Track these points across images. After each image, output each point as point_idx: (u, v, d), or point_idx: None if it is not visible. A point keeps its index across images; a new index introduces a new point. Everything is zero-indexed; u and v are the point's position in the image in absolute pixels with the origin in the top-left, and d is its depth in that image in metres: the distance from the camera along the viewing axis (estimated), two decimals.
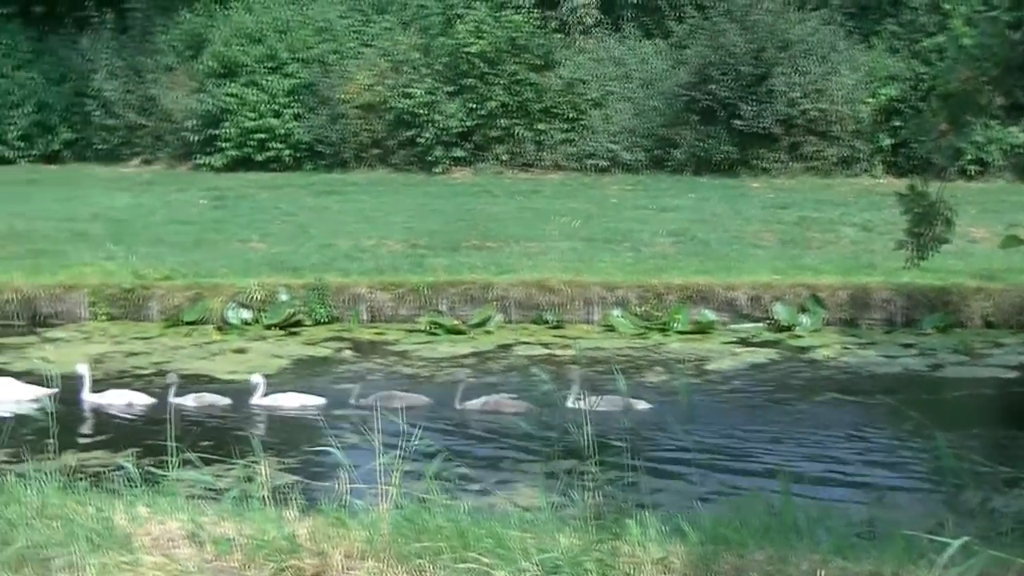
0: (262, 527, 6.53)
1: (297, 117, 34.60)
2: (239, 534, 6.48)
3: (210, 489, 9.27)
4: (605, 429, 10.87)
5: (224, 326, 19.11)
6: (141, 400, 15.17)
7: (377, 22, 36.32)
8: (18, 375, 15.75)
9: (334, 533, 6.60)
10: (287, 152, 34.49)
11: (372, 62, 34.52)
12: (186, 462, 8.72)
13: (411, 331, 18.94)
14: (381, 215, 26.17)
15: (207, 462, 8.78)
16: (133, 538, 6.21)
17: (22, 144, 37.79)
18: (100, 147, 37.38)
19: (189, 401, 15.03)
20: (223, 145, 34.77)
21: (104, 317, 19.71)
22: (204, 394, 15.28)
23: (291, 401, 15.06)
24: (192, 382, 15.53)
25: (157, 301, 19.72)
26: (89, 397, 15.26)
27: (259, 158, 34.46)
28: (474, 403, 14.83)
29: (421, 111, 33.11)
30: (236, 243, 23.11)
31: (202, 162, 35.22)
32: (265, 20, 35.79)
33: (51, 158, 37.89)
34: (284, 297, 19.32)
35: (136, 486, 7.34)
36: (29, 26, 39.39)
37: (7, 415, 14.16)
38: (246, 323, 19.13)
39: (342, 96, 34.05)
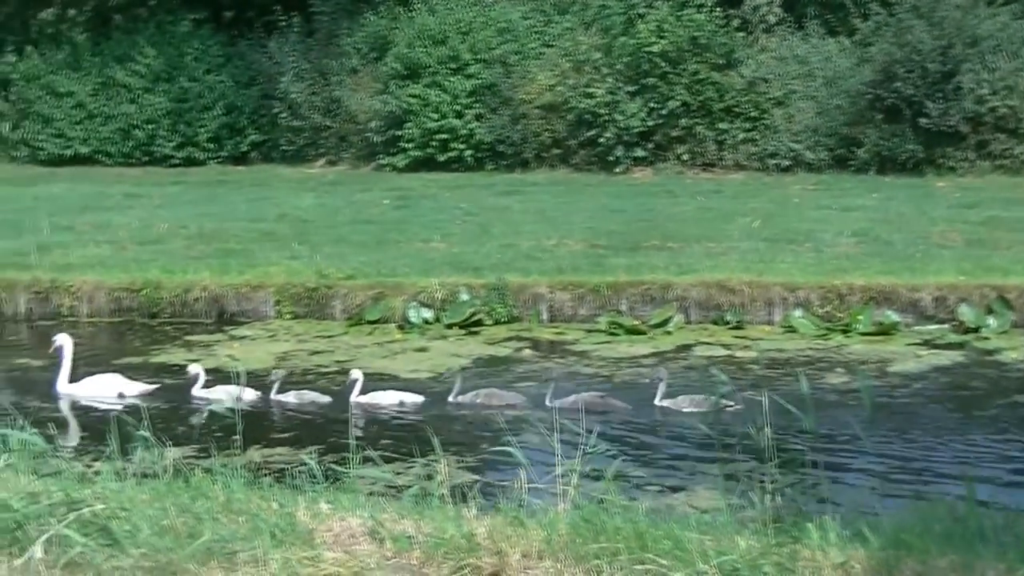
0: (441, 525, 6.58)
1: (479, 118, 34.82)
2: (418, 532, 6.54)
3: (390, 486, 9.39)
4: (782, 430, 10.75)
5: (405, 325, 19.29)
6: (248, 395, 15.41)
7: (559, 22, 36.40)
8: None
9: (512, 532, 6.62)
10: (469, 152, 34.72)
11: (553, 62, 34.62)
12: (367, 459, 8.84)
13: (591, 331, 18.92)
14: (561, 215, 26.21)
15: (388, 460, 8.92)
16: (315, 534, 6.30)
17: (212, 146, 38.64)
18: (286, 148, 38.05)
19: (291, 398, 15.36)
20: (406, 146, 35.14)
21: (289, 315, 20.05)
22: (305, 391, 15.55)
23: (390, 398, 15.20)
24: (374, 380, 15.70)
25: (340, 300, 19.99)
26: (198, 392, 15.68)
27: (441, 158, 34.75)
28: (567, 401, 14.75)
29: (602, 111, 33.10)
30: (418, 243, 23.31)
31: (385, 162, 35.64)
32: (448, 22, 36.08)
33: (239, 159, 38.67)
34: (465, 296, 19.45)
35: (318, 483, 7.45)
36: (219, 31, 40.25)
37: (111, 409, 14.51)
38: (427, 322, 19.28)
39: (523, 96, 34.20)
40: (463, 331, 18.97)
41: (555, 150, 34.27)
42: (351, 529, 6.46)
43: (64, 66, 39.92)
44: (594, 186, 31.20)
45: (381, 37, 37.12)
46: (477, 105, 34.92)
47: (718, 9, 33.37)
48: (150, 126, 38.78)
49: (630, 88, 33.24)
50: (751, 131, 32.81)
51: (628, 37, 33.63)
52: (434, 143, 34.79)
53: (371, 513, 6.66)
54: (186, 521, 6.17)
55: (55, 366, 16.23)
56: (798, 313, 18.86)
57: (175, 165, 38.28)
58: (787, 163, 32.14)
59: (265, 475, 7.50)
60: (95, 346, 18.96)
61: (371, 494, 7.91)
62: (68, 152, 39.23)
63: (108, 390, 15.78)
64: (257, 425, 14.06)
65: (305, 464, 7.76)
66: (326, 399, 15.36)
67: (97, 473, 6.99)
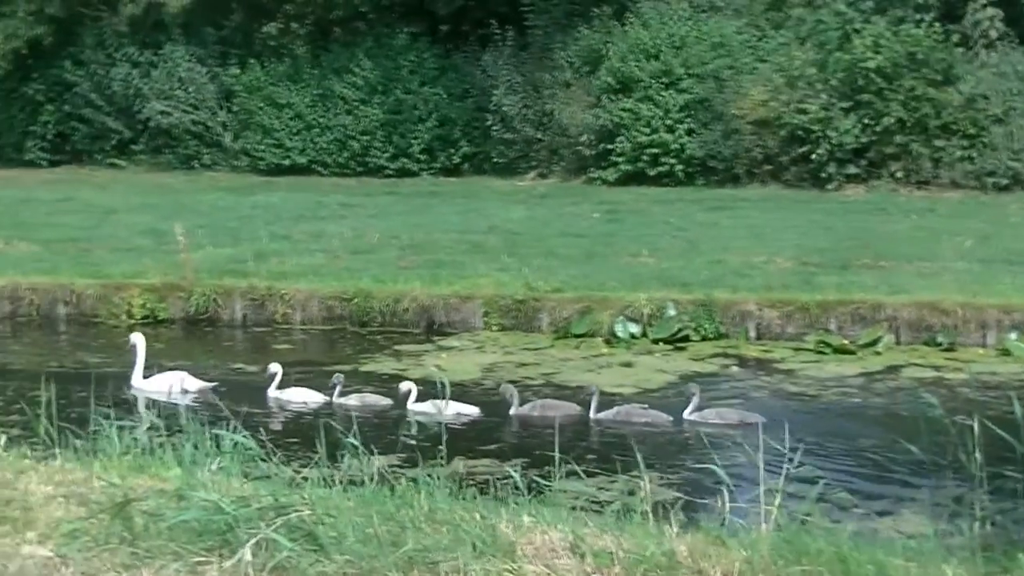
0: (642, 542, 6.56)
1: (690, 132, 34.74)
2: (619, 548, 6.52)
3: (593, 501, 9.41)
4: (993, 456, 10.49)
5: (612, 339, 19.29)
6: (315, 398, 16.06)
7: (773, 37, 36.14)
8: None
9: (713, 552, 6.57)
10: (679, 167, 34.64)
11: (767, 77, 34.37)
12: (570, 473, 8.87)
13: (798, 349, 18.72)
14: (771, 232, 25.97)
15: (591, 474, 8.93)
16: (516, 547, 6.33)
17: (425, 157, 39.18)
18: (498, 161, 38.39)
19: (352, 401, 15.65)
20: (617, 159, 35.22)
21: (496, 327, 20.19)
22: (366, 394, 15.90)
23: (448, 409, 15.14)
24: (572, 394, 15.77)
25: (547, 313, 20.07)
26: (274, 393, 16.21)
27: (651, 173, 34.74)
28: (608, 413, 15.07)
29: (815, 127, 32.77)
30: (626, 257, 23.30)
31: (596, 176, 35.75)
32: (661, 36, 36.05)
33: (452, 171, 39.12)
34: (672, 312, 19.39)
35: (522, 495, 7.49)
36: (435, 44, 40.77)
37: (177, 403, 15.16)
38: (634, 337, 19.25)
39: (735, 111, 34.01)
40: (669, 346, 18.91)
41: (766, 166, 34.03)
42: (552, 543, 6.47)
43: (284, 78, 40.90)
44: (805, 203, 30.85)
45: (594, 51, 37.25)
46: (689, 120, 34.85)
47: (937, 24, 32.74)
48: (365, 137, 39.51)
49: (844, 104, 32.85)
50: (968, 149, 32.15)
51: (843, 52, 33.23)
52: (645, 157, 34.80)
53: (572, 528, 6.67)
54: (390, 529, 6.25)
55: (268, 371, 16.68)
56: (1013, 336, 18.38)
57: (389, 176, 38.91)
58: (1005, 182, 31.44)
59: (469, 486, 7.56)
60: (307, 353, 19.37)
61: (573, 508, 7.93)
62: (286, 162, 40.17)
63: (173, 386, 16.43)
64: (463, 436, 14.22)
65: (509, 476, 7.82)
66: (386, 402, 15.74)
67: (305, 479, 7.14)
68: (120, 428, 8.08)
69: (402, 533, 6.23)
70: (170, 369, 17.10)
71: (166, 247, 23.66)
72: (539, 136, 37.49)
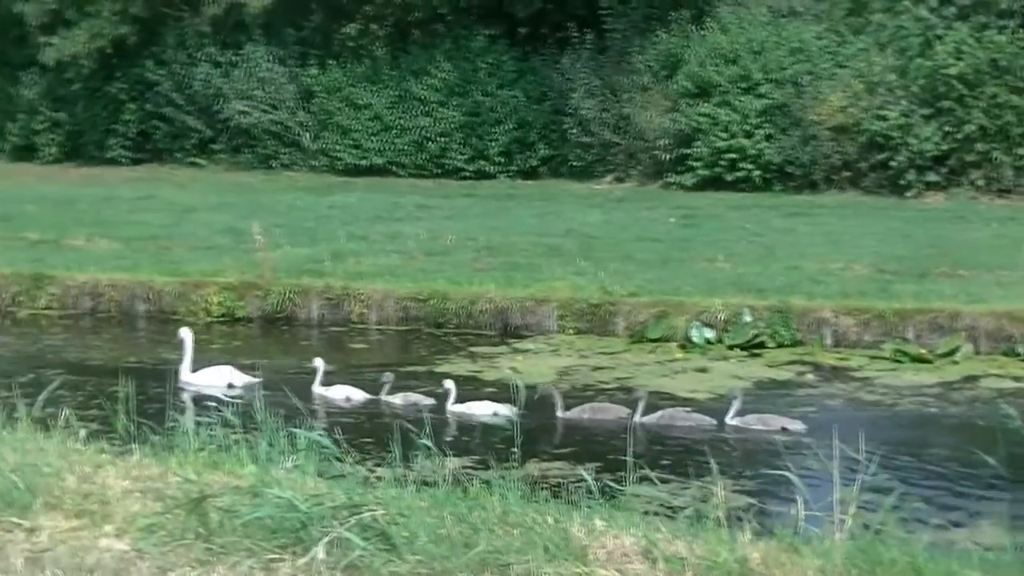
0: (714, 548, 6.54)
1: (768, 138, 34.58)
2: (691, 553, 6.51)
3: (666, 506, 9.39)
4: None
5: (687, 344, 19.23)
6: (357, 395, 16.27)
7: (853, 43, 35.85)
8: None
9: (786, 560, 6.54)
10: (757, 173, 34.51)
11: (846, 83, 34.12)
12: (643, 478, 8.85)
13: (874, 357, 18.55)
14: (849, 239, 25.80)
15: (664, 480, 8.92)
16: (588, 550, 6.33)
17: (502, 160, 39.22)
18: (575, 164, 38.37)
19: (397, 400, 15.83)
20: (694, 164, 35.14)
21: (571, 331, 20.18)
22: (410, 393, 16.04)
23: (483, 409, 15.45)
24: (652, 399, 15.73)
25: (623, 317, 20.04)
26: (318, 390, 16.44)
27: (729, 178, 34.62)
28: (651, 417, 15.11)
29: (895, 134, 32.53)
30: (702, 262, 23.22)
31: (673, 181, 35.67)
32: (740, 41, 35.91)
33: (528, 174, 39.14)
34: (748, 318, 19.30)
35: (595, 499, 7.48)
36: (514, 46, 40.80)
37: (222, 397, 15.34)
38: (709, 342, 19.18)
39: (814, 117, 33.81)
40: (745, 353, 18.83)
41: (844, 172, 33.82)
42: (624, 548, 6.47)
43: (363, 79, 41.08)
44: (883, 210, 30.62)
45: (673, 55, 37.15)
46: (767, 125, 34.68)
47: (1021, 31, 32.39)
48: (443, 139, 39.61)
49: (925, 111, 32.57)
50: None
51: (924, 59, 32.95)
52: (722, 162, 34.70)
53: (645, 532, 6.66)
54: (462, 531, 6.27)
55: (344, 371, 16.80)
56: None
57: (466, 178, 38.99)
58: None
59: (542, 489, 7.57)
60: (383, 353, 19.47)
61: (646, 513, 7.92)
62: (364, 163, 40.35)
63: (220, 380, 16.93)
64: (536, 439, 14.23)
65: (582, 480, 7.82)
66: (429, 401, 15.83)
67: (379, 478, 7.18)
68: (196, 424, 8.15)
69: (474, 534, 6.24)
70: (220, 364, 17.43)
71: (244, 246, 23.85)
72: (616, 140, 37.43)
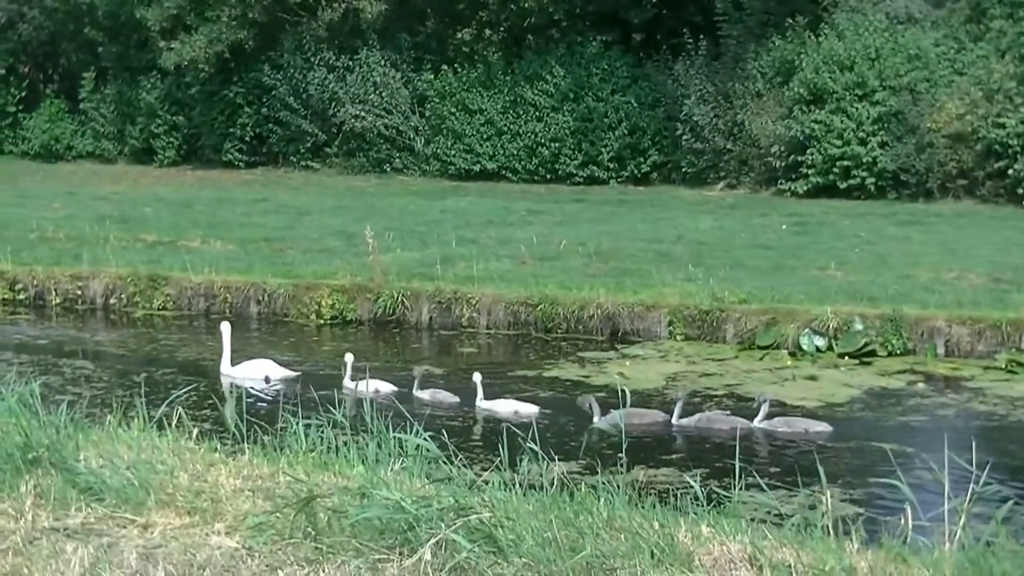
0: (822, 556, 6.51)
1: (883, 145, 34.28)
2: (798, 561, 6.48)
3: (774, 514, 9.33)
4: None
5: (797, 352, 19.12)
6: (386, 388, 16.45)
7: (971, 50, 35.44)
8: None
9: (894, 569, 6.49)
10: (871, 180, 34.23)
11: (964, 90, 33.72)
12: (751, 485, 8.82)
13: (988, 368, 18.32)
14: (964, 247, 25.48)
15: (772, 487, 8.85)
16: (694, 556, 6.32)
17: (614, 165, 39.27)
18: (687, 170, 38.33)
19: (425, 395, 16.17)
20: (807, 171, 34.94)
21: (680, 337, 20.14)
22: (438, 390, 16.37)
23: (506, 407, 15.66)
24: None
25: (732, 324, 19.96)
26: (348, 383, 16.62)
27: (842, 185, 34.40)
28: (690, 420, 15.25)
29: (1013, 142, 32.09)
30: (814, 270, 23.05)
31: (785, 187, 35.50)
32: (856, 47, 35.62)
33: (640, 180, 39.15)
34: (859, 326, 19.13)
35: (701, 505, 7.47)
36: (627, 53, 40.86)
37: (258, 390, 16.05)
38: (819, 350, 19.06)
39: (930, 125, 33.45)
40: (855, 361, 18.68)
41: (961, 181, 33.44)
42: (730, 554, 6.45)
43: (477, 84, 41.29)
44: (1000, 219, 30.22)
45: (787, 61, 36.94)
46: (882, 132, 34.40)
47: None
48: (555, 144, 39.71)
49: None
50: None
51: None
52: (836, 170, 34.47)
53: (751, 539, 6.64)
54: (568, 535, 6.28)
55: (453, 374, 16.89)
56: None
57: (577, 183, 39.06)
58: None
59: (648, 495, 7.56)
60: (492, 357, 19.54)
61: (753, 520, 7.89)
62: (476, 167, 40.58)
63: (258, 373, 17.49)
64: (644, 445, 14.23)
65: (689, 486, 7.81)
66: (455, 399, 16.14)
67: (486, 482, 7.20)
68: (306, 425, 8.24)
69: (580, 538, 6.26)
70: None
71: (356, 249, 24.07)
72: (729, 146, 37.32)
